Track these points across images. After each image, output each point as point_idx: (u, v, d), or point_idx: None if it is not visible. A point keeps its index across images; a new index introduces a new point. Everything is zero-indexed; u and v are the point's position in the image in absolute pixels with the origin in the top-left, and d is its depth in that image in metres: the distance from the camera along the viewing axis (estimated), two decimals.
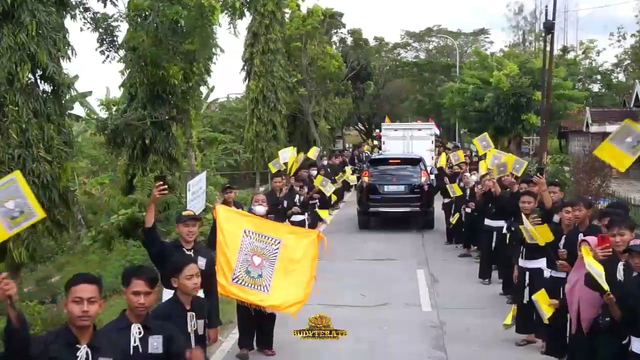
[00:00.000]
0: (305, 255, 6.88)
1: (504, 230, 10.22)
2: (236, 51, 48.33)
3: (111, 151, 16.67)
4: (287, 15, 30.07)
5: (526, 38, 51.78)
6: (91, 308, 3.47)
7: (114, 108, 21.25)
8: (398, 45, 50.56)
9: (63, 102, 12.17)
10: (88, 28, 14.43)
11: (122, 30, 14.98)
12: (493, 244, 10.71)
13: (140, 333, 3.90)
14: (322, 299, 7.82)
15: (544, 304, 5.98)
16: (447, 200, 14.64)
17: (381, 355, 7.69)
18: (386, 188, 16.41)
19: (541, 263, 7.47)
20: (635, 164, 6.34)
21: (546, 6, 22.97)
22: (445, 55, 49.83)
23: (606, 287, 4.74)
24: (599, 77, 44.43)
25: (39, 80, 11.68)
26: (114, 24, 14.57)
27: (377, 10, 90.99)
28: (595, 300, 5.21)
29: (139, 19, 14.77)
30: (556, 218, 7.34)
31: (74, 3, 13.67)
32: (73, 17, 13.75)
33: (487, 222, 10.86)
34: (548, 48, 21.08)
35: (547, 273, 7.32)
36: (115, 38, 14.74)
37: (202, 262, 5.80)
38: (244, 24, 31.43)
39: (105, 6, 14.21)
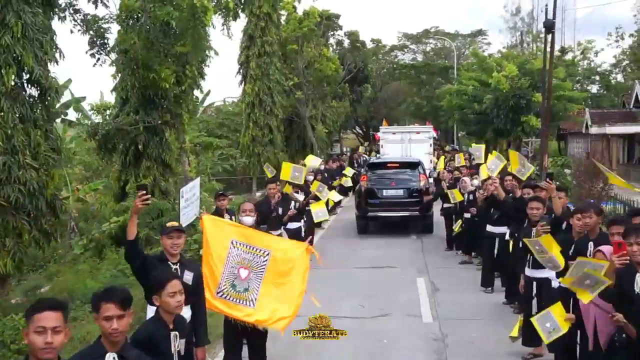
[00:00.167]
0: (295, 268, 6.50)
1: (507, 237, 9.92)
2: (232, 54, 48.07)
3: (102, 157, 16.24)
4: (283, 18, 29.74)
5: (524, 39, 51.55)
6: (56, 339, 3.12)
7: (107, 112, 20.90)
8: (395, 48, 50.32)
9: (51, 107, 11.76)
10: (79, 30, 14.13)
11: (113, 32, 14.71)
12: (495, 251, 10.39)
13: None
14: (319, 310, 7.53)
15: (560, 317, 5.61)
16: (446, 205, 14.32)
17: None
18: (385, 192, 16.26)
19: (549, 272, 7.06)
20: (636, 166, 6.01)
21: (546, 5, 22.62)
22: (442, 57, 49.56)
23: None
24: (597, 78, 44.19)
25: (25, 84, 11.30)
26: (105, 26, 14.26)
27: (374, 12, 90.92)
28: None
29: (130, 21, 14.45)
30: None
31: (62, 5, 13.36)
32: (62, 19, 13.49)
33: (489, 228, 10.52)
34: (548, 48, 20.71)
35: (555, 283, 6.93)
36: (106, 41, 14.41)
37: (188, 276, 5.44)
38: (239, 26, 31.13)
39: (96, 7, 13.91)
